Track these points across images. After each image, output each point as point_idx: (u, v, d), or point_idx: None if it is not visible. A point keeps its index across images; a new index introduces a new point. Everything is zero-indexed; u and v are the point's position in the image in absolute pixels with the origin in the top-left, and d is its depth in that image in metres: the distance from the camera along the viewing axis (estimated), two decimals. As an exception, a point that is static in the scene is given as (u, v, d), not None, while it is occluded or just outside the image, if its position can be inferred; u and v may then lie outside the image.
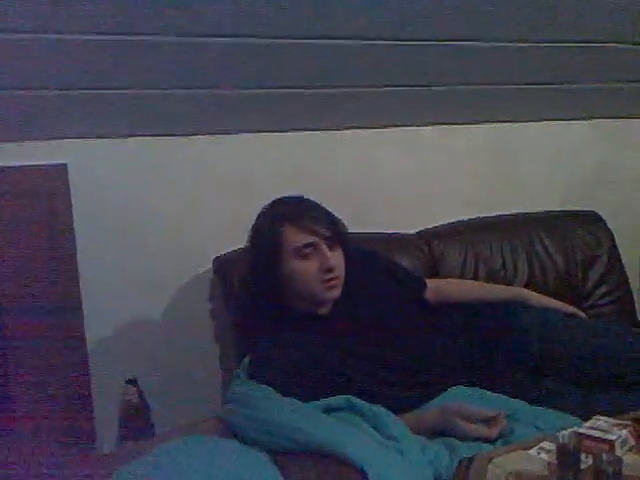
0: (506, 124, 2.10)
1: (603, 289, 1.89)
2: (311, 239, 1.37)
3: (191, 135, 1.76)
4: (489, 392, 1.34)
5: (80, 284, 1.65)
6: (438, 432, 1.25)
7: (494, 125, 2.09)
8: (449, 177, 2.05)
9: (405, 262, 1.75)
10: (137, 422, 1.60)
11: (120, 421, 1.63)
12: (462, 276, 1.82)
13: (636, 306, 2.00)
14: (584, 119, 2.19)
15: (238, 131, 1.81)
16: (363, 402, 1.23)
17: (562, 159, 2.18)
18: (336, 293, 1.41)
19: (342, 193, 1.89)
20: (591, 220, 1.98)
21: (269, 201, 1.47)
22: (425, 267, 1.80)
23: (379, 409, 1.22)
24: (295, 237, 1.38)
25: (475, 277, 1.82)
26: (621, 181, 2.24)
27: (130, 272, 1.72)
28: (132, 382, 1.62)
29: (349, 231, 1.69)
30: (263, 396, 1.24)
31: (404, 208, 1.98)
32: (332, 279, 1.38)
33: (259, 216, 1.45)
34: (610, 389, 1.33)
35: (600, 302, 1.88)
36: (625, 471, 0.90)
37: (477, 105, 1.99)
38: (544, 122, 2.15)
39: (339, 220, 1.45)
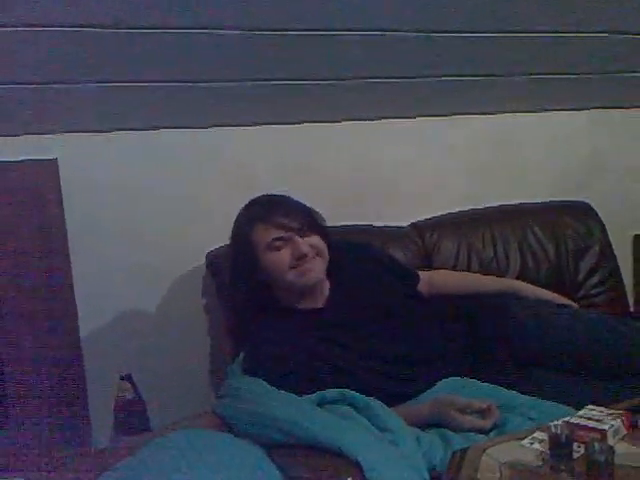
0: (502, 115, 2.10)
1: (595, 279, 1.90)
2: (280, 233, 1.39)
3: (186, 128, 1.75)
4: (482, 383, 1.35)
5: (73, 280, 1.64)
6: (432, 423, 1.26)
7: (490, 116, 2.09)
8: (446, 169, 2.05)
9: (398, 254, 1.76)
10: (132, 417, 1.60)
11: (115, 417, 1.63)
12: (455, 268, 1.82)
13: (628, 296, 2.02)
14: (579, 109, 2.20)
15: (235, 124, 1.80)
16: (357, 395, 1.24)
17: (557, 149, 2.18)
18: (313, 279, 1.41)
19: (338, 186, 1.89)
20: (583, 211, 1.99)
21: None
22: (418, 259, 1.80)
23: (373, 401, 1.23)
24: (265, 234, 1.40)
25: (468, 269, 1.82)
26: (616, 171, 2.25)
27: (123, 267, 1.71)
28: (126, 378, 1.61)
29: (345, 223, 1.71)
30: (257, 390, 1.25)
31: (400, 200, 1.98)
32: (306, 264, 1.39)
33: (236, 219, 1.48)
34: (602, 379, 1.34)
35: (592, 292, 1.90)
36: (617, 460, 0.92)
37: (473, 96, 1.99)
38: (540, 113, 2.15)
39: (311, 209, 1.47)
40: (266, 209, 1.43)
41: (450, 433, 1.21)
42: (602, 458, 0.91)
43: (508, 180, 2.11)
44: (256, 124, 1.82)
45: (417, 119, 2.00)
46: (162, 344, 1.77)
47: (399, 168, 1.99)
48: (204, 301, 1.80)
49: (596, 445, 0.93)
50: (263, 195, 1.49)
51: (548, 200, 2.05)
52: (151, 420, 1.66)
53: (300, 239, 1.39)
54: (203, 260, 1.72)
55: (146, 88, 1.55)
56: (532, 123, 2.14)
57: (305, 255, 1.39)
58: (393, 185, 1.98)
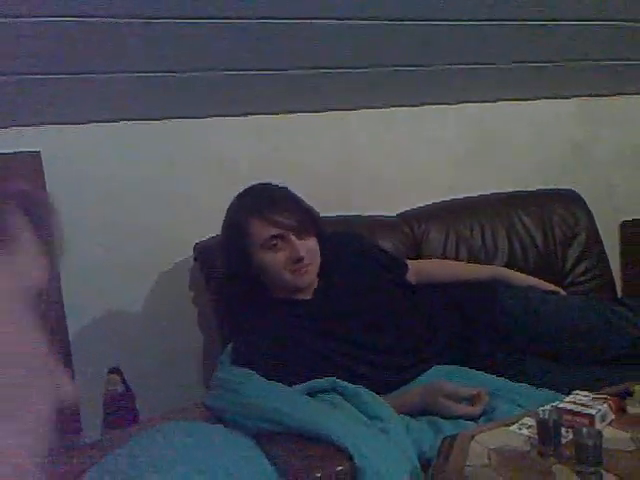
0: (488, 104, 2.10)
1: (582, 267, 1.92)
2: (277, 231, 1.36)
3: (168, 119, 1.73)
4: (471, 370, 1.36)
5: (59, 274, 1.63)
6: (422, 411, 1.26)
7: (476, 105, 2.09)
8: (432, 158, 2.05)
9: (387, 244, 1.75)
10: (122, 410, 1.59)
11: (104, 410, 1.62)
12: (444, 257, 1.82)
13: (615, 282, 2.04)
14: (563, 98, 2.20)
15: (216, 115, 1.79)
16: (347, 384, 1.24)
17: (543, 137, 2.19)
18: (308, 280, 1.40)
19: (323, 176, 1.88)
20: (570, 198, 2.00)
21: (249, 185, 1.45)
22: (407, 249, 1.80)
23: (363, 390, 1.23)
24: (261, 230, 1.36)
25: (456, 258, 1.82)
26: (602, 158, 2.26)
27: (109, 260, 1.70)
28: (115, 371, 1.61)
29: (331, 214, 1.69)
30: (247, 381, 1.25)
31: (386, 190, 1.98)
32: (302, 268, 1.37)
33: (229, 208, 1.44)
34: (590, 364, 1.35)
35: (579, 279, 1.91)
36: (605, 445, 0.92)
37: (458, 85, 1.99)
38: (526, 101, 2.15)
39: (310, 208, 1.44)
40: (264, 202, 1.39)
41: (440, 420, 1.21)
42: (590, 442, 0.92)
43: (494, 169, 2.11)
44: (237, 115, 1.80)
45: (402, 108, 1.99)
46: (151, 337, 1.76)
47: (384, 158, 1.98)
48: (192, 293, 1.79)
49: (584, 430, 0.94)
50: (261, 185, 1.44)
51: (535, 188, 2.06)
52: (141, 413, 1.65)
53: (297, 241, 1.37)
54: (190, 252, 1.71)
55: (128, 79, 1.53)
56: (518, 112, 2.14)
57: (302, 259, 1.37)
58: (378, 175, 1.98)
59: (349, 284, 1.46)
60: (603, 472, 0.90)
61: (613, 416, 1.04)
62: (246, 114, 1.81)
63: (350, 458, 1.04)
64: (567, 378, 1.26)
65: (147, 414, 1.63)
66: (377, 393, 1.27)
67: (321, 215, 1.54)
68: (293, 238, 1.36)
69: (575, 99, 2.21)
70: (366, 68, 1.74)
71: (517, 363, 1.37)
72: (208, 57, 1.52)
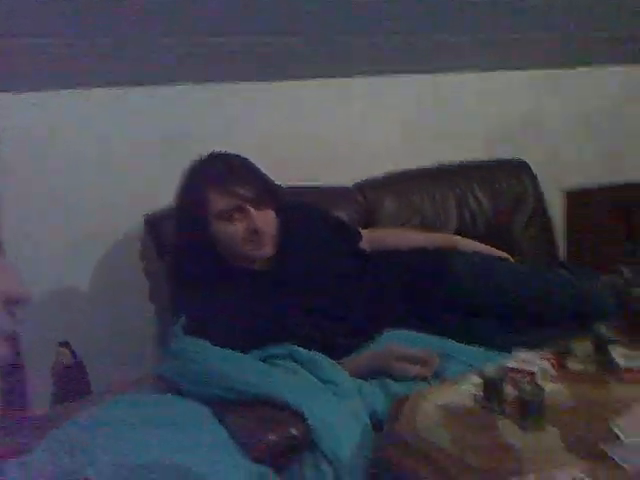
0: (439, 75, 2.11)
1: (529, 233, 1.98)
2: (235, 203, 1.34)
3: (120, 87, 1.67)
4: (422, 334, 1.39)
5: (4, 247, 1.57)
6: (374, 374, 1.29)
7: (428, 76, 2.10)
8: (384, 129, 2.05)
9: (341, 214, 1.76)
10: (72, 384, 1.56)
11: (54, 383, 1.59)
12: (397, 226, 1.84)
13: (560, 250, 2.11)
14: (514, 69, 2.23)
15: (170, 83, 1.73)
16: (302, 350, 1.26)
17: (492, 108, 2.22)
18: (265, 252, 1.39)
19: (278, 147, 1.86)
20: (518, 168, 2.05)
21: (206, 155, 1.42)
22: (361, 218, 1.81)
23: (317, 355, 1.25)
24: (219, 201, 1.34)
25: (409, 226, 1.85)
26: (548, 130, 2.31)
27: (58, 233, 1.65)
28: (64, 344, 1.57)
29: (286, 184, 1.69)
30: (201, 350, 1.25)
31: (340, 161, 1.97)
32: (259, 239, 1.36)
33: (183, 177, 1.40)
34: (534, 326, 1.40)
35: (526, 246, 1.97)
36: (547, 400, 0.97)
37: (409, 56, 1.99)
38: (475, 72, 2.17)
39: (268, 179, 1.42)
40: (222, 173, 1.36)
41: (391, 382, 1.24)
42: (532, 398, 0.97)
43: (446, 139, 2.13)
44: (193, 83, 1.76)
45: (354, 78, 1.98)
46: (102, 310, 1.72)
47: (338, 129, 1.98)
48: (143, 264, 1.76)
49: (526, 386, 0.98)
50: (219, 154, 1.41)
51: (485, 158, 2.09)
52: (95, 388, 1.63)
53: (255, 213, 1.35)
54: (140, 223, 1.68)
55: (74, 46, 1.47)
56: (469, 82, 2.16)
57: (260, 231, 1.36)
58: (333, 146, 1.97)
59: (304, 253, 1.46)
60: (545, 426, 0.95)
61: (555, 373, 1.09)
62: (201, 82, 1.76)
63: (304, 420, 1.05)
64: (513, 339, 1.31)
65: (100, 388, 1.61)
66: (332, 358, 1.29)
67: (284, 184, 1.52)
68: (251, 210, 1.35)
69: (526, 70, 2.25)
70: (321, 38, 1.72)
71: (467, 326, 1.41)
72: (162, 24, 1.47)
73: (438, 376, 1.26)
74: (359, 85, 1.99)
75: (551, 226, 2.06)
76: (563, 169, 2.33)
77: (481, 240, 1.73)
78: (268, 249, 1.39)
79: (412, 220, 1.86)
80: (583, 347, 1.16)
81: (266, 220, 1.37)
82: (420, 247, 1.64)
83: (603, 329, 1.15)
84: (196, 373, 1.21)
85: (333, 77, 1.94)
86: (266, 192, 1.38)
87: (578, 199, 2.35)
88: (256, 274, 1.40)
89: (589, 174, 2.34)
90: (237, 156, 1.41)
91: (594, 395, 1.02)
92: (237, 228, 1.35)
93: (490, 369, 1.04)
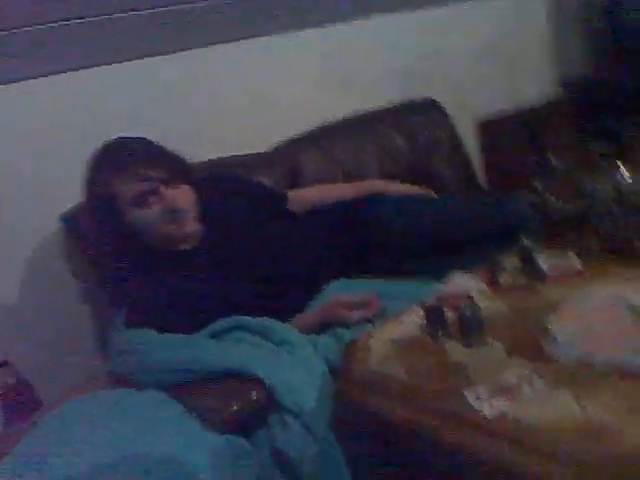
0: (335, 26, 2.11)
1: (448, 170, 2.04)
2: (146, 186, 1.31)
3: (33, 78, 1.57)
4: (362, 279, 1.43)
5: None
6: (324, 327, 1.32)
7: (325, 30, 2.09)
8: (295, 87, 2.04)
9: (265, 179, 1.76)
10: (20, 403, 1.51)
11: (3, 405, 1.54)
12: (322, 182, 1.86)
13: (480, 182, 2.20)
14: (415, 9, 2.26)
15: (88, 64, 1.63)
16: (249, 318, 1.27)
17: (398, 50, 2.24)
18: (189, 229, 1.38)
19: (192, 121, 1.82)
20: (429, 107, 2.10)
21: (105, 142, 1.37)
22: (285, 180, 1.82)
23: (267, 320, 1.26)
24: (129, 187, 1.30)
25: (334, 181, 1.87)
26: (455, 64, 2.36)
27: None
28: (4, 364, 1.51)
29: (208, 158, 1.66)
30: (146, 339, 1.23)
31: (257, 127, 1.95)
32: (180, 218, 1.34)
33: (88, 168, 1.35)
34: (465, 252, 1.47)
35: (447, 183, 2.03)
36: (485, 316, 1.03)
37: (307, 10, 1.97)
38: (369, 19, 2.18)
39: (176, 156, 1.39)
40: (126, 158, 1.32)
41: (342, 330, 1.28)
42: (471, 316, 1.02)
43: (356, 87, 2.15)
44: (110, 63, 1.66)
45: (255, 39, 1.95)
46: (36, 322, 1.66)
47: (250, 94, 1.96)
48: (70, 266, 1.70)
49: (464, 307, 1.04)
50: (118, 139, 1.36)
51: (397, 101, 2.13)
52: (47, 400, 1.58)
53: (170, 191, 1.32)
54: (58, 222, 1.61)
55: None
56: (366, 29, 2.17)
57: (178, 209, 1.33)
58: (247, 113, 1.95)
59: (231, 225, 1.45)
60: (487, 339, 1.01)
61: (488, 289, 1.15)
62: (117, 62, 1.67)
63: (261, 384, 1.07)
64: (447, 268, 1.36)
65: (53, 399, 1.57)
66: (281, 320, 1.31)
67: (196, 160, 1.49)
68: (164, 190, 1.32)
69: (419, 10, 2.28)
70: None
71: (403, 264, 1.46)
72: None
73: (384, 316, 1.30)
74: (262, 46, 1.97)
75: (467, 157, 2.13)
76: (473, 102, 2.41)
77: (404, 181, 1.79)
78: (192, 226, 1.37)
79: (336, 173, 1.89)
80: (511, 261, 1.22)
81: (183, 197, 1.35)
82: (348, 198, 1.67)
83: (527, 242, 1.21)
84: (145, 363, 1.20)
85: (232, 41, 1.90)
86: (177, 170, 1.36)
87: (490, 128, 2.44)
88: (186, 253, 1.39)
89: (497, 102, 2.44)
90: (137, 138, 1.38)
91: (527, 303, 1.08)
92: (154, 211, 1.32)
93: (429, 298, 1.09)
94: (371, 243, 1.49)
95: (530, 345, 0.95)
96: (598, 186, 1.26)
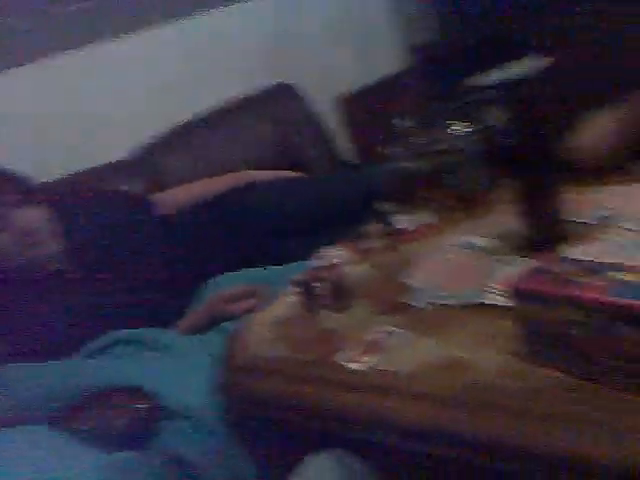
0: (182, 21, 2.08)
1: (312, 152, 2.10)
2: None
3: None
4: (243, 272, 1.44)
5: None
6: (212, 324, 1.33)
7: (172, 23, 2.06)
8: (148, 87, 2.00)
9: (130, 186, 1.73)
10: None
11: None
12: (191, 181, 1.85)
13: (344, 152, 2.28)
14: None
15: None
16: (127, 330, 1.25)
17: (248, 40, 2.24)
18: (47, 249, 1.33)
19: (48, 133, 1.73)
20: (284, 90, 2.14)
21: None
22: (152, 185, 1.79)
23: (145, 330, 1.25)
24: None
25: (201, 178, 1.85)
26: (306, 45, 2.40)
27: None
28: None
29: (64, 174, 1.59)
30: (22, 374, 1.18)
31: (117, 132, 1.90)
32: (34, 239, 1.30)
33: None
34: (337, 225, 1.52)
35: (316, 164, 2.08)
36: (352, 280, 1.09)
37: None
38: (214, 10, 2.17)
39: (21, 177, 1.34)
40: None
41: (228, 325, 1.29)
42: (335, 283, 1.08)
43: (209, 81, 2.13)
44: None
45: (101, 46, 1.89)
46: None
47: (102, 100, 1.89)
48: None
49: (330, 276, 1.09)
50: None
51: (253, 90, 2.15)
52: None
53: (18, 214, 1.26)
54: None
55: None
56: (214, 20, 2.16)
57: (30, 231, 1.27)
58: (103, 120, 1.88)
59: (95, 239, 1.41)
60: (356, 303, 1.07)
61: (353, 256, 1.21)
62: None
63: (147, 394, 1.07)
64: (323, 242, 1.39)
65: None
66: (165, 326, 1.30)
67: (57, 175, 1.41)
68: (12, 213, 1.26)
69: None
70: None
71: (278, 249, 1.50)
72: None
73: (267, 303, 1.33)
74: (104, 52, 1.91)
75: (330, 136, 2.20)
76: (329, 78, 2.48)
77: (272, 168, 1.82)
78: (50, 247, 1.32)
79: (202, 170, 1.88)
80: (373, 228, 1.29)
81: (33, 218, 1.30)
82: (218, 191, 1.67)
83: (384, 206, 1.29)
84: (24, 400, 1.14)
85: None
86: (22, 189, 1.30)
87: (350, 103, 2.53)
88: (52, 276, 1.34)
89: (355, 76, 2.52)
90: None
91: (387, 261, 1.15)
92: (4, 237, 1.26)
93: (300, 275, 1.13)
94: (246, 233, 1.51)
95: (392, 300, 1.02)
96: (441, 145, 1.37)
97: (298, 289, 1.11)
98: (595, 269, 0.74)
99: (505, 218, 1.13)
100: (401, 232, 1.22)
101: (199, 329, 1.32)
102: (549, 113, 1.12)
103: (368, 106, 2.37)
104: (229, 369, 1.03)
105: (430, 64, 2.50)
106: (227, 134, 1.97)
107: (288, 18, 2.38)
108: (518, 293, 0.78)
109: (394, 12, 2.76)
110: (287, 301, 1.14)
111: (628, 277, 0.71)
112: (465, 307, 0.95)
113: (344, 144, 2.28)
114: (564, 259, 0.82)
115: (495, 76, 2.00)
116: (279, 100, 2.10)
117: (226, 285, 1.39)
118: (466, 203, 1.27)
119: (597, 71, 1.22)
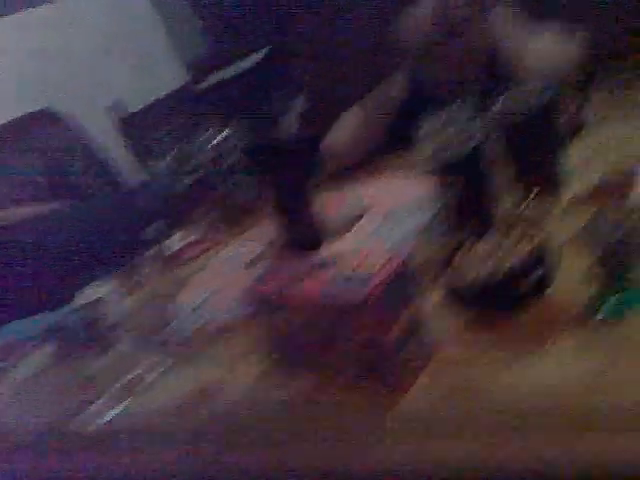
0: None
1: (85, 178, 1.93)
2: None
3: None
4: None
5: None
6: None
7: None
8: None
9: None
10: None
11: None
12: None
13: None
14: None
15: None
16: None
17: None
18: None
19: None
20: (47, 117, 1.96)
21: None
22: None
23: None
24: None
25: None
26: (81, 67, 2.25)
27: None
28: None
29: None
30: None
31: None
32: None
33: None
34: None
35: (88, 189, 1.92)
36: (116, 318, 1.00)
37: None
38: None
39: None
40: None
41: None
42: (99, 322, 0.98)
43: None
44: None
45: None
46: None
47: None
48: None
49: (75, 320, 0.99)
50: None
51: (12, 118, 1.93)
52: None
53: None
54: None
55: None
56: None
57: None
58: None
59: None
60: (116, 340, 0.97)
61: (121, 289, 1.11)
62: None
63: None
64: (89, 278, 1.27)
65: None
66: None
67: None
68: None
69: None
70: None
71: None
72: None
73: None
74: None
75: (104, 159, 2.05)
76: (105, 97, 2.33)
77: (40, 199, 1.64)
78: None
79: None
80: (147, 254, 1.20)
81: None
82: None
83: (156, 229, 1.21)
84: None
85: None
86: None
87: (133, 121, 2.40)
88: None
89: (137, 94, 2.40)
90: None
91: (160, 289, 1.07)
92: None
93: (54, 321, 1.01)
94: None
95: (157, 331, 0.95)
96: (203, 157, 1.32)
97: (51, 338, 0.99)
98: (325, 263, 0.71)
99: (272, 225, 1.10)
100: (174, 254, 1.15)
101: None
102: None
103: (143, 125, 2.28)
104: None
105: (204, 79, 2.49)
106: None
107: (56, 34, 2.20)
108: (257, 298, 0.74)
109: (170, 29, 2.70)
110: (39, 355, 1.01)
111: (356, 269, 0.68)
112: (230, 324, 0.90)
113: (121, 166, 2.16)
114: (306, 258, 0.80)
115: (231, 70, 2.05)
116: (42, 127, 1.91)
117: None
118: (233, 214, 1.23)
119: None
